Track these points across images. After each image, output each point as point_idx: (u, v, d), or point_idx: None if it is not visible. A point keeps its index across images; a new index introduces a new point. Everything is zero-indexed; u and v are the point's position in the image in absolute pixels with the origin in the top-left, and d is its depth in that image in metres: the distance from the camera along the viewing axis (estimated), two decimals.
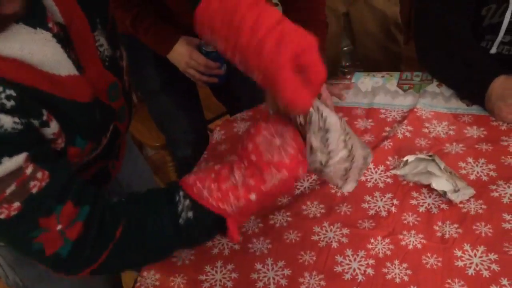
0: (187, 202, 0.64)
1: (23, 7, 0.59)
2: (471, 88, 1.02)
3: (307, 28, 1.28)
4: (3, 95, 0.58)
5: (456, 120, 1.00)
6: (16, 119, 0.59)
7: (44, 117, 0.63)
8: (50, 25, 0.65)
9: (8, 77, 0.60)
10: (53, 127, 0.65)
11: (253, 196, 0.63)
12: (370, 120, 1.05)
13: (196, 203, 0.63)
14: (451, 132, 0.97)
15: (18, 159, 0.58)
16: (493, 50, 1.08)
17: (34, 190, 0.59)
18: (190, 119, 1.47)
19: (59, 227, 0.61)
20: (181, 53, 1.27)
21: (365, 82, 1.17)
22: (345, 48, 2.39)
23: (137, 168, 1.16)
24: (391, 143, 0.97)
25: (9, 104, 0.59)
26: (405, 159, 0.90)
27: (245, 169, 0.63)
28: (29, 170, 0.59)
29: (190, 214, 0.64)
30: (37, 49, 0.63)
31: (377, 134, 1.02)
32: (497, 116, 0.96)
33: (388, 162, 0.93)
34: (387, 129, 1.02)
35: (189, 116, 1.47)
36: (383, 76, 1.17)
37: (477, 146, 0.92)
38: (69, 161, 0.69)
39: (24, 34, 0.62)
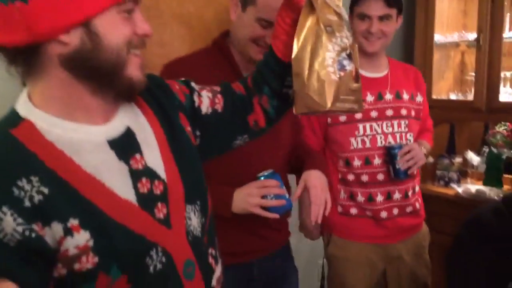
0: None
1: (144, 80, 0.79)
2: None
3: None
4: (35, 189, 0.66)
5: None
6: (20, 228, 0.64)
7: (70, 224, 0.67)
8: (132, 162, 0.78)
9: (54, 167, 0.69)
10: (79, 240, 0.68)
11: None
12: None
13: None
14: None
15: None
16: None
17: None
18: None
19: None
20: (241, 199, 1.28)
21: None
22: None
23: None
24: None
25: (37, 198, 0.66)
26: None
27: None
28: None
29: None
30: (108, 173, 0.74)
31: None
32: None
33: None
34: None
35: None
36: None
37: None
38: None
39: (108, 158, 0.76)
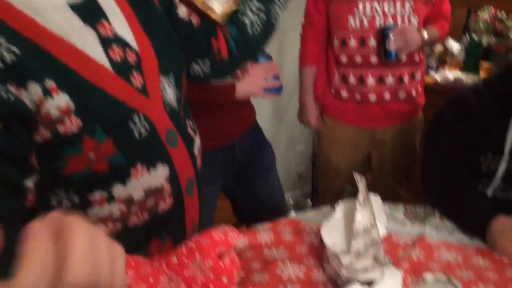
0: None
1: None
2: (471, 228, 1.12)
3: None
4: (4, 48, 0.60)
5: (462, 249, 1.07)
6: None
7: (48, 85, 0.64)
8: (99, 28, 0.73)
9: (18, 28, 0.63)
10: (59, 101, 0.65)
11: None
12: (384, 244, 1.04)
13: None
14: (460, 260, 1.04)
15: None
16: (489, 193, 1.20)
17: None
18: None
19: None
20: (246, 83, 1.34)
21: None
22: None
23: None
24: (407, 264, 0.99)
25: (9, 57, 0.61)
26: (424, 277, 0.95)
27: None
28: None
29: None
30: (76, 35, 0.69)
31: (392, 255, 1.03)
32: (500, 252, 1.04)
33: (407, 281, 0.96)
34: (401, 252, 1.05)
35: None
36: (389, 207, 1.23)
37: (484, 274, 0.99)
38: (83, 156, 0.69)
39: (73, 20, 0.69)
